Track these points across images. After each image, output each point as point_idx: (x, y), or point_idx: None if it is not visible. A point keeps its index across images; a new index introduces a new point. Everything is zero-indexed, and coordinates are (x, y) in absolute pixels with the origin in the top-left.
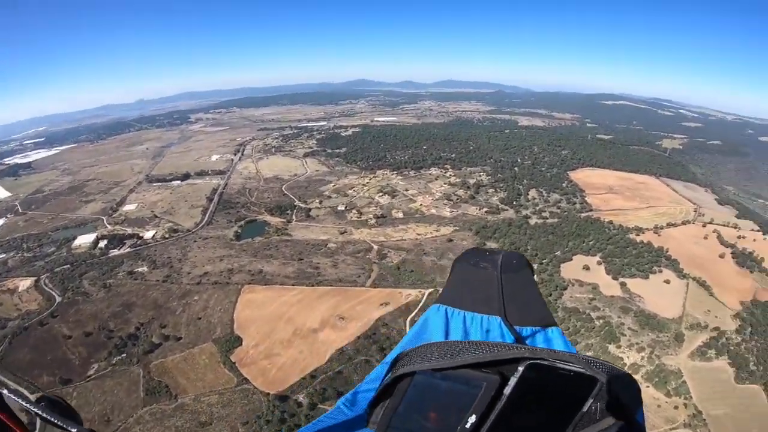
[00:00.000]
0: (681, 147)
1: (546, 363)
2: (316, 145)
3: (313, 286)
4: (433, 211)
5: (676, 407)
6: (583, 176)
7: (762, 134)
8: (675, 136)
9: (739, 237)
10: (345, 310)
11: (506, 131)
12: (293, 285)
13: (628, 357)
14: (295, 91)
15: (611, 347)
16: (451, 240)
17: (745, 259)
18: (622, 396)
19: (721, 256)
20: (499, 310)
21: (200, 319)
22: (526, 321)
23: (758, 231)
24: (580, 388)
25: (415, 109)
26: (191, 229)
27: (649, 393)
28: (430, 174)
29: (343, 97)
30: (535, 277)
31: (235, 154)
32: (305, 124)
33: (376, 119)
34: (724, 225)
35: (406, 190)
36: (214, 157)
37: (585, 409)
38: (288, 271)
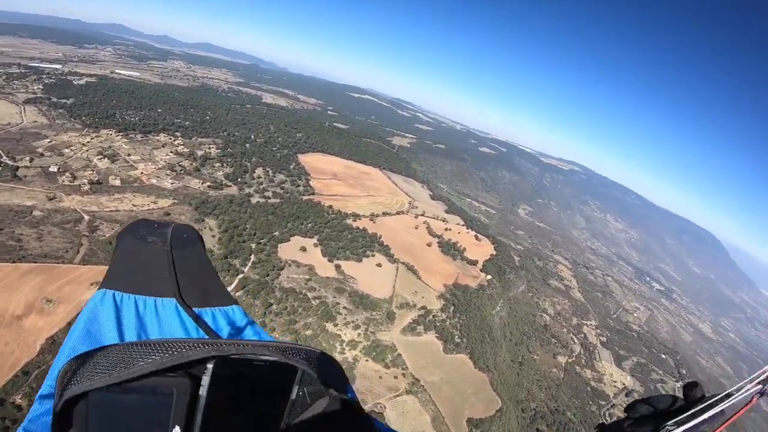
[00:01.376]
0: (409, 146)
1: (236, 357)
2: (42, 91)
3: (14, 263)
4: (154, 181)
5: (395, 377)
6: (311, 160)
7: (481, 145)
8: (406, 135)
9: (446, 229)
10: (52, 292)
11: (248, 106)
12: None
13: (345, 334)
14: (42, 24)
15: (329, 325)
16: (168, 214)
17: (449, 248)
18: (327, 378)
19: (429, 245)
20: (173, 291)
21: None
22: (204, 302)
23: (462, 225)
24: (282, 376)
25: (163, 68)
26: None
27: (369, 366)
28: (158, 140)
29: (91, 40)
30: (206, 250)
31: None
32: (37, 64)
33: (117, 71)
34: (434, 218)
35: (129, 155)
36: None
37: (293, 396)
38: None
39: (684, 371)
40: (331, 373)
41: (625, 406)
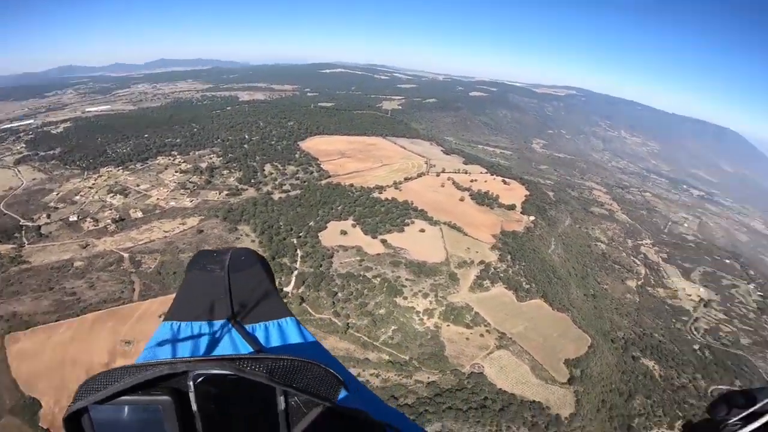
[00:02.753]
0: (400, 107)
1: (212, 372)
2: (26, 148)
3: (78, 315)
4: (173, 203)
5: (481, 335)
6: (313, 145)
7: (471, 90)
8: (393, 97)
9: (471, 180)
10: (127, 333)
11: (228, 108)
12: (58, 320)
13: (417, 305)
14: None
15: (399, 300)
16: (201, 231)
17: (482, 199)
18: (307, 386)
19: (462, 200)
20: (227, 312)
21: None
22: (258, 318)
23: (486, 173)
24: (264, 388)
25: (129, 94)
26: None
27: (452, 330)
28: (158, 164)
29: (49, 88)
30: (273, 271)
31: None
32: (9, 126)
33: (88, 110)
34: (455, 172)
35: (137, 185)
36: None
37: (281, 407)
38: (45, 306)
39: (752, 272)
40: (312, 381)
41: (707, 406)
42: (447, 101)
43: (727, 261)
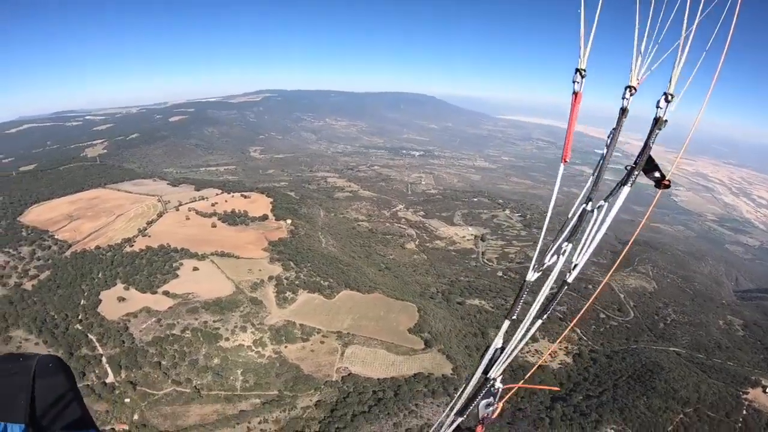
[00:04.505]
0: (106, 150)
1: None
2: None
3: None
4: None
5: (321, 342)
6: (35, 216)
7: (169, 116)
8: (94, 142)
9: (212, 204)
10: None
11: None
12: None
13: (243, 340)
14: None
15: (222, 343)
16: None
17: (233, 218)
18: None
19: (214, 226)
20: (25, 418)
21: None
22: (59, 425)
23: (222, 193)
24: None
25: None
26: None
27: (293, 349)
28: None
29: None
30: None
31: None
32: None
33: None
34: (192, 201)
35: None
36: None
37: None
38: None
39: (500, 200)
40: None
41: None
42: (150, 133)
43: (475, 199)
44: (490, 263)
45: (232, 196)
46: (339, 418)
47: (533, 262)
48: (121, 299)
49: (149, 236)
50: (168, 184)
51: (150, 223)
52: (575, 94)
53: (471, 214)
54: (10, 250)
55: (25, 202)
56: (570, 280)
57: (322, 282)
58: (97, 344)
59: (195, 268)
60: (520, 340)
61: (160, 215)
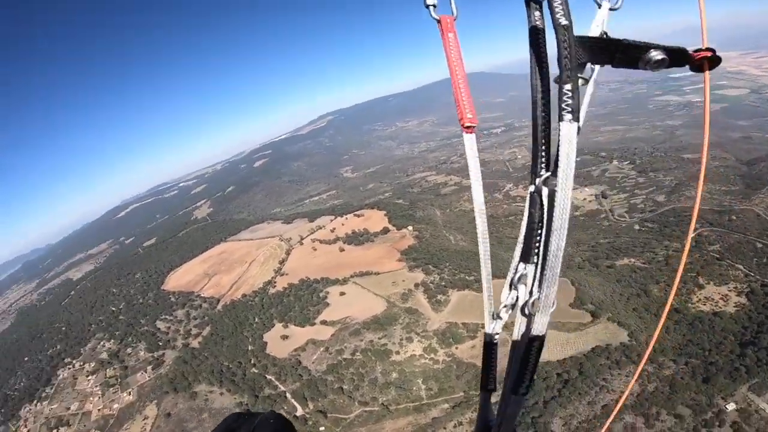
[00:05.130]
0: (212, 209)
1: None
2: None
3: None
4: (116, 405)
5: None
6: (176, 282)
7: (253, 162)
8: (198, 204)
9: (332, 230)
10: None
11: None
12: None
13: (414, 350)
14: None
15: (394, 357)
16: (169, 414)
17: (357, 238)
18: None
19: (342, 250)
20: None
21: None
22: None
23: (335, 218)
24: None
25: None
26: None
27: (464, 348)
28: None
29: None
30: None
31: None
32: None
33: None
34: (312, 232)
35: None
36: None
37: None
38: None
39: (603, 153)
40: None
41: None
42: (243, 181)
43: (578, 159)
44: (623, 218)
45: (347, 218)
46: (531, 407)
47: (485, 315)
48: (285, 337)
49: (287, 274)
50: (282, 223)
51: (282, 262)
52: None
53: (581, 175)
54: (167, 317)
55: (162, 272)
56: (538, 331)
57: (467, 277)
58: (277, 383)
59: (342, 293)
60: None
61: (288, 253)
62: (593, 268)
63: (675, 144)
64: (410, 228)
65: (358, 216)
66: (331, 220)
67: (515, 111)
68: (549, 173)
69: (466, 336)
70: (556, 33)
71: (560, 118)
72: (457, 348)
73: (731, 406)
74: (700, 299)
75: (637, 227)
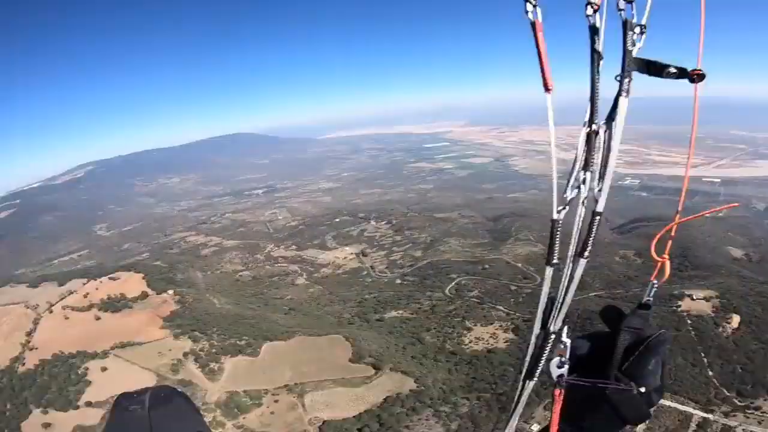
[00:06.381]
0: None
1: None
2: None
3: None
4: None
5: (272, 412)
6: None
7: None
8: None
9: (84, 296)
10: None
11: None
12: None
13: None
14: None
15: None
16: None
17: (114, 305)
18: None
19: (98, 318)
20: None
21: None
22: None
23: (87, 281)
24: None
25: None
26: None
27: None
28: None
29: None
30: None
31: None
32: None
33: None
34: (62, 298)
35: None
36: None
37: None
38: None
39: (361, 214)
40: None
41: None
42: None
43: (337, 220)
44: (384, 274)
45: (101, 282)
46: None
47: (554, 200)
48: (47, 425)
49: (37, 348)
50: (28, 286)
51: (29, 333)
52: (533, 24)
53: (340, 235)
54: None
55: None
56: (600, 209)
57: (238, 342)
58: None
59: (104, 368)
60: (568, 285)
61: (36, 322)
62: (364, 323)
63: (428, 205)
64: (171, 292)
65: (114, 279)
66: (84, 284)
67: (278, 173)
68: (606, 124)
69: (251, 404)
70: (625, 26)
71: (619, 94)
72: (245, 418)
73: (535, 427)
74: (471, 340)
75: (398, 281)
